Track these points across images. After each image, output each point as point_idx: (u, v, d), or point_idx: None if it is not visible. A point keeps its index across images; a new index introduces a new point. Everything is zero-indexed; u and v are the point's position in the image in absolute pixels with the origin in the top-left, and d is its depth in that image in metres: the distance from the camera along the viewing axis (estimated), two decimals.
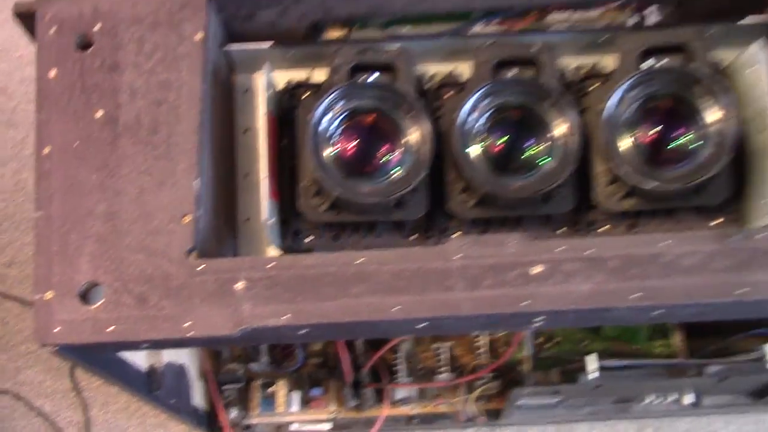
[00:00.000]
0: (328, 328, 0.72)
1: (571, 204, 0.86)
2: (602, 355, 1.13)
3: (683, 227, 0.85)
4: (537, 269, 0.72)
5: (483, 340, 1.19)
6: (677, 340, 1.16)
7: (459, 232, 0.87)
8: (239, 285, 0.72)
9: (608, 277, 0.71)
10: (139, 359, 0.97)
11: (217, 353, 1.21)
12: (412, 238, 0.88)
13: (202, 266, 0.73)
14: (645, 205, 0.85)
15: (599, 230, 0.87)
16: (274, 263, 0.73)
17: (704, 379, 1.04)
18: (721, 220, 0.85)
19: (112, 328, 0.72)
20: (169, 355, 1.03)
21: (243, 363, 1.20)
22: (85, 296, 0.73)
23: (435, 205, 0.87)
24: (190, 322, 0.71)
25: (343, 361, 1.11)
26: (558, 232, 0.87)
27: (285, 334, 0.74)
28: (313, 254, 0.77)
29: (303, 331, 0.73)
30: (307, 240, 0.87)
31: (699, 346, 1.14)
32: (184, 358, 1.11)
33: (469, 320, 0.72)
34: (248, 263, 0.74)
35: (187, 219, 0.76)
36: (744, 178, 0.85)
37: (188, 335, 0.71)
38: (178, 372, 1.08)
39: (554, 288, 0.71)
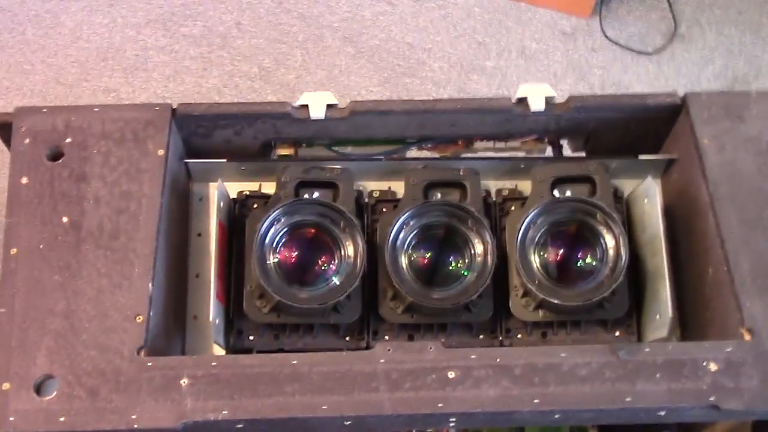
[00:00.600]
0: (262, 423, 0.79)
1: (489, 313, 0.95)
2: None
3: (588, 338, 0.95)
4: (451, 374, 0.81)
5: None
6: None
7: (387, 337, 0.95)
8: (183, 381, 0.80)
9: (513, 384, 0.80)
10: None
11: None
12: (346, 339, 0.96)
13: (150, 363, 0.81)
14: (554, 316, 0.95)
15: (515, 337, 0.96)
16: (215, 362, 0.81)
17: None
18: (619, 332, 0.95)
19: (62, 419, 0.78)
20: None
21: None
22: (40, 388, 0.80)
23: (369, 309, 0.96)
24: (135, 415, 0.78)
25: None
26: (480, 337, 0.97)
27: (223, 428, 0.81)
28: (253, 355, 0.85)
29: (239, 426, 0.80)
30: (249, 338, 0.95)
31: None
32: None
33: (390, 419, 0.80)
34: (193, 362, 0.81)
35: (140, 319, 0.83)
36: (640, 295, 0.97)
37: (133, 427, 0.78)
38: None
39: (466, 392, 0.80)
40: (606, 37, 1.85)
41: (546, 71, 1.81)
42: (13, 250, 0.86)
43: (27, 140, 0.93)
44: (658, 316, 0.93)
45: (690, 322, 0.97)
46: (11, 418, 0.78)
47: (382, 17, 1.85)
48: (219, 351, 0.95)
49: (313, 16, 1.85)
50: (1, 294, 0.85)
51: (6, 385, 0.80)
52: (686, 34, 1.87)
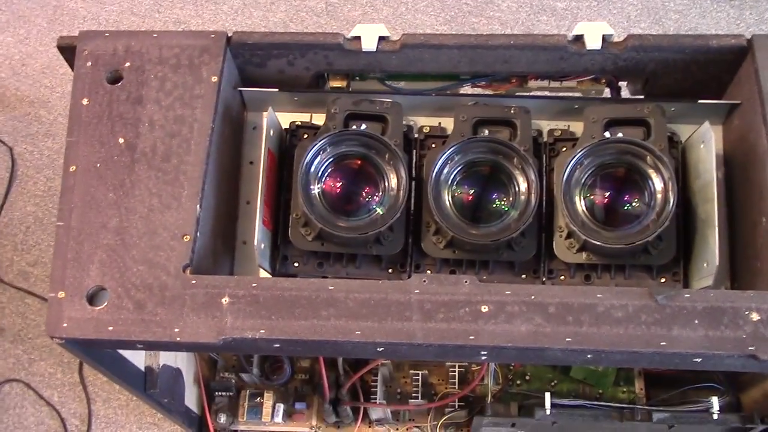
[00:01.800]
0: (297, 344, 0.82)
1: (532, 252, 0.95)
2: (566, 395, 1.22)
3: (632, 282, 0.94)
4: (485, 308, 0.81)
5: (457, 370, 1.28)
6: (638, 387, 1.24)
7: (429, 271, 0.96)
8: (225, 300, 0.83)
9: (546, 321, 0.80)
10: (138, 359, 1.08)
11: (213, 361, 1.32)
12: (389, 270, 0.98)
13: (194, 281, 0.84)
14: (598, 259, 0.94)
15: (558, 278, 0.96)
16: (256, 284, 0.84)
17: (654, 425, 1.12)
18: (665, 279, 0.93)
19: (111, 328, 0.83)
20: (166, 358, 1.14)
21: (235, 373, 1.30)
22: (92, 299, 0.85)
23: (413, 243, 0.97)
24: (178, 329, 0.82)
25: (324, 379, 1.20)
26: (522, 277, 0.97)
27: (260, 346, 0.84)
28: (292, 279, 0.87)
29: (275, 345, 0.83)
30: (294, 265, 0.98)
31: (658, 394, 1.22)
32: (181, 362, 1.22)
33: (421, 348, 0.81)
34: (234, 282, 0.84)
35: (187, 238, 0.87)
36: (689, 243, 0.95)
37: (176, 340, 0.82)
38: (174, 375, 1.19)
39: (497, 326, 0.80)
40: None
41: (619, 14, 1.74)
42: (72, 168, 0.90)
43: (89, 63, 0.96)
44: (705, 265, 0.91)
45: (741, 273, 0.95)
46: (65, 325, 0.83)
47: None
48: (265, 275, 0.98)
49: None
50: (60, 209, 0.89)
51: (61, 294, 0.85)
52: None
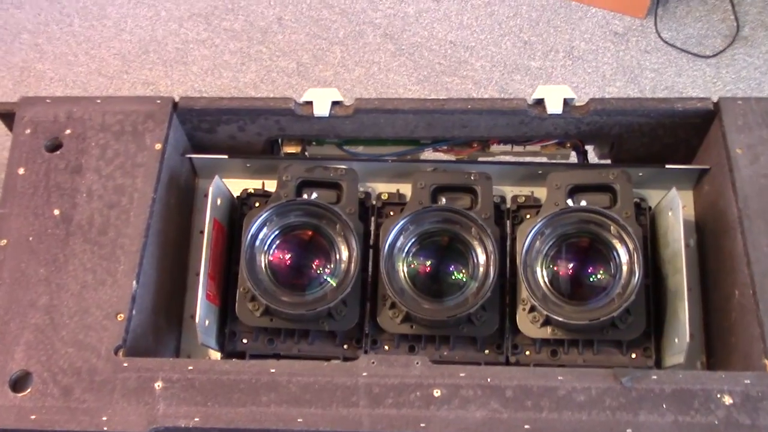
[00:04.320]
0: None
1: (494, 327, 0.90)
2: None
3: (601, 359, 0.88)
4: (437, 392, 0.75)
5: None
6: None
7: (386, 347, 0.91)
8: (158, 384, 0.77)
9: (503, 407, 0.75)
10: None
11: None
12: (344, 347, 0.92)
13: (126, 364, 0.78)
14: (563, 334, 0.88)
15: (523, 354, 0.90)
16: (192, 366, 0.78)
17: None
18: (636, 355, 0.88)
19: (33, 417, 0.76)
20: None
21: None
22: (15, 384, 0.78)
23: (369, 317, 0.92)
24: (106, 417, 0.76)
25: None
26: (485, 353, 0.91)
27: None
28: (230, 361, 0.82)
29: None
30: (243, 342, 0.92)
31: None
32: None
33: None
34: (169, 365, 0.78)
35: (121, 317, 0.81)
36: (661, 316, 0.89)
37: (104, 429, 0.75)
38: None
39: (451, 412, 0.74)
40: (661, 38, 1.75)
41: (594, 73, 1.72)
42: (3, 242, 0.85)
43: (28, 130, 0.92)
44: (676, 340, 0.86)
45: (716, 348, 0.89)
46: None
47: (426, 14, 1.80)
48: (215, 354, 0.93)
49: (355, 12, 1.81)
50: None
51: None
52: (749, 36, 1.76)
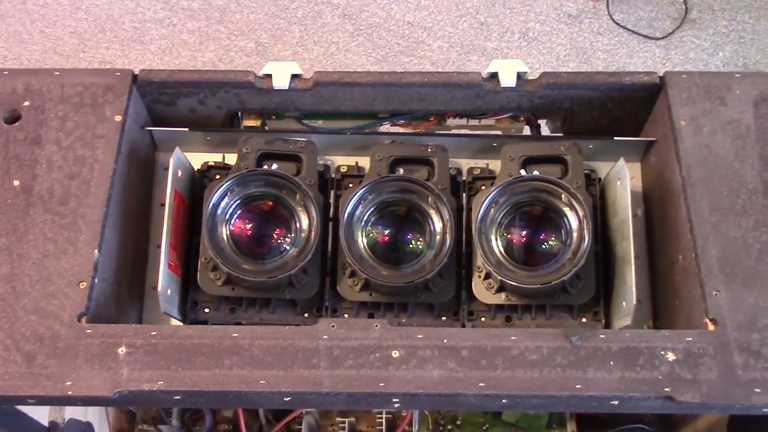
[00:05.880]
0: (198, 395, 0.78)
1: (450, 294, 0.92)
2: None
3: (553, 323, 0.92)
4: (395, 354, 0.78)
5: (384, 417, 1.24)
6: (570, 429, 1.22)
7: (346, 315, 0.93)
8: (121, 350, 0.78)
9: (459, 366, 0.77)
10: (41, 414, 1.02)
11: (131, 413, 1.25)
12: (305, 315, 0.94)
13: (89, 330, 0.79)
14: (517, 300, 0.92)
15: (478, 320, 0.93)
16: (155, 332, 0.79)
17: None
18: (586, 319, 0.91)
19: None
20: (73, 412, 1.08)
21: (154, 425, 1.24)
22: None
23: (329, 286, 0.94)
24: (70, 382, 0.77)
25: (243, 430, 1.15)
26: (442, 319, 0.94)
27: (159, 399, 0.79)
28: (193, 326, 0.83)
29: (176, 397, 0.78)
30: (205, 311, 0.93)
31: None
32: (92, 416, 1.15)
33: (329, 397, 0.77)
34: (132, 331, 0.80)
35: (83, 285, 0.82)
36: (609, 282, 0.93)
37: (68, 394, 0.76)
38: (83, 430, 1.12)
39: (408, 372, 0.77)
40: (613, 20, 1.80)
41: (549, 54, 1.76)
42: None
43: None
44: (624, 304, 0.89)
45: (662, 311, 0.93)
46: None
47: None
48: (177, 323, 0.94)
49: None
50: None
51: None
52: (697, 19, 1.81)
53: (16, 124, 0.91)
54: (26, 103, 0.92)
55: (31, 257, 0.83)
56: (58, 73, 0.93)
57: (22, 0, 1.83)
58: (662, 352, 0.78)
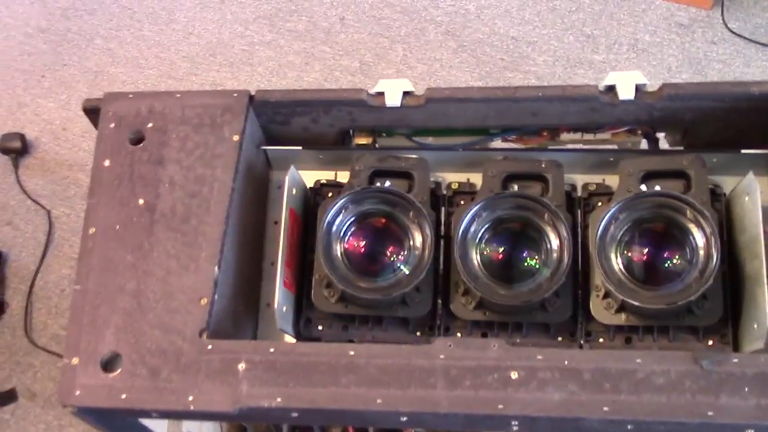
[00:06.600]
0: (316, 413, 0.78)
1: (567, 314, 0.90)
2: None
3: (677, 345, 0.88)
4: (514, 375, 0.76)
5: None
6: None
7: (459, 334, 0.92)
8: (241, 366, 0.79)
9: (581, 389, 0.75)
10: (160, 427, 1.04)
11: (242, 428, 1.27)
12: (417, 333, 0.93)
13: (210, 346, 0.81)
14: (639, 320, 0.88)
15: (596, 341, 0.90)
16: (273, 349, 0.80)
17: None
18: (713, 342, 0.87)
19: (124, 396, 0.79)
20: (189, 426, 1.10)
21: None
22: (107, 365, 0.82)
23: (441, 304, 0.93)
24: (192, 397, 0.79)
25: None
26: (558, 339, 0.91)
27: (277, 415, 0.80)
28: (311, 344, 0.84)
29: (293, 414, 0.79)
30: (318, 328, 0.94)
31: None
32: (206, 429, 1.18)
33: (447, 417, 0.76)
34: (251, 347, 0.81)
35: (204, 301, 0.84)
36: (738, 303, 0.88)
37: (190, 409, 0.78)
38: None
39: (528, 394, 0.75)
40: (728, 29, 1.72)
41: (659, 65, 1.70)
42: (92, 230, 0.89)
43: (112, 125, 0.96)
44: (755, 326, 0.84)
45: None
46: (77, 393, 0.81)
47: (487, 10, 1.81)
48: (290, 340, 0.95)
49: (417, 10, 1.83)
50: (77, 272, 0.87)
51: (75, 360, 0.82)
52: None
53: (141, 145, 0.94)
54: (150, 125, 0.95)
55: (155, 274, 0.86)
56: (179, 96, 0.97)
57: (138, 27, 1.91)
58: None
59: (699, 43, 1.72)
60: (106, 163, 0.94)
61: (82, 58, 1.87)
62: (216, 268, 0.86)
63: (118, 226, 0.89)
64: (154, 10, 1.92)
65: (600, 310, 0.89)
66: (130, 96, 0.98)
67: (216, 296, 0.85)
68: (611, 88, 0.92)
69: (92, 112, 0.99)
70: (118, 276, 0.86)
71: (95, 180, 0.93)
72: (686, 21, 1.74)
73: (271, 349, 0.80)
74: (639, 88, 0.92)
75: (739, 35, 1.72)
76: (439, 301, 0.92)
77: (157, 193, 0.91)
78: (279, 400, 0.77)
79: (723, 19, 1.74)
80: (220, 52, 1.85)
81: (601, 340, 0.90)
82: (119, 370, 0.81)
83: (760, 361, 0.75)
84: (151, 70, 1.85)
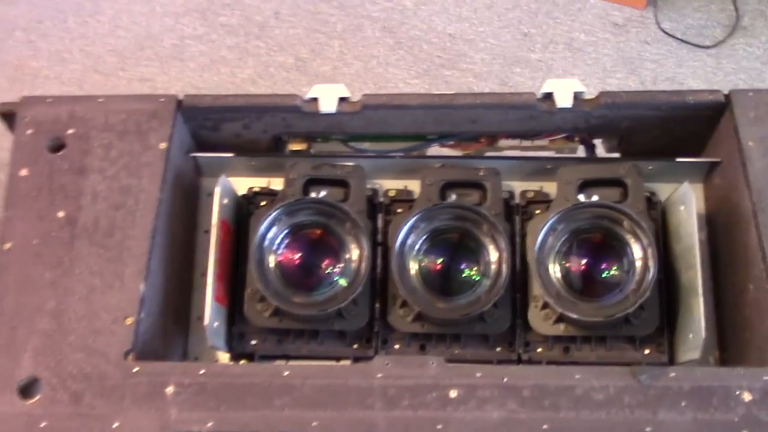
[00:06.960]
0: None
1: (506, 325, 0.89)
2: None
3: (614, 355, 0.88)
4: (453, 393, 0.74)
5: None
6: None
7: (396, 346, 0.90)
8: (169, 389, 0.76)
9: (520, 407, 0.74)
10: None
11: None
12: (354, 347, 0.91)
13: (136, 369, 0.77)
14: (577, 331, 0.87)
15: (534, 351, 0.89)
16: (204, 370, 0.77)
17: None
18: (649, 351, 0.87)
19: (44, 424, 0.75)
20: None
21: None
22: (24, 391, 0.77)
23: (379, 316, 0.90)
24: (118, 423, 0.75)
25: None
26: (497, 350, 0.90)
27: None
28: (243, 364, 0.81)
29: None
30: (252, 343, 0.90)
31: None
32: None
33: None
34: (180, 369, 0.77)
35: (129, 321, 0.80)
36: (674, 312, 0.88)
37: None
38: None
39: (468, 413, 0.73)
40: (661, 29, 1.74)
41: (594, 64, 1.71)
42: (7, 245, 0.84)
43: (30, 131, 0.90)
44: (690, 336, 0.85)
45: (729, 344, 0.88)
46: None
47: (424, 7, 1.79)
48: (223, 356, 0.91)
49: (353, 5, 1.80)
50: None
51: None
52: (749, 26, 1.75)
53: (61, 153, 0.89)
54: (70, 131, 0.90)
55: (77, 292, 0.81)
56: (102, 100, 0.92)
57: (62, 19, 1.83)
58: (737, 393, 0.74)
59: (633, 42, 1.73)
60: (23, 172, 0.88)
61: (1, 50, 1.78)
62: (142, 284, 0.81)
63: (36, 241, 0.84)
64: (79, 1, 1.84)
65: (538, 320, 0.88)
66: (49, 100, 0.92)
67: (142, 314, 0.81)
68: (549, 96, 0.91)
69: (7, 116, 0.93)
70: (37, 295, 0.81)
71: (11, 191, 0.87)
72: (621, 20, 1.76)
73: (202, 371, 0.77)
74: (577, 96, 0.91)
75: (671, 35, 1.74)
76: (377, 312, 0.90)
77: (78, 205, 0.86)
78: (210, 424, 0.74)
79: (656, 20, 1.76)
80: (149, 46, 1.79)
81: (539, 350, 0.90)
82: (38, 396, 0.77)
83: (697, 374, 0.75)
84: (76, 65, 1.77)
